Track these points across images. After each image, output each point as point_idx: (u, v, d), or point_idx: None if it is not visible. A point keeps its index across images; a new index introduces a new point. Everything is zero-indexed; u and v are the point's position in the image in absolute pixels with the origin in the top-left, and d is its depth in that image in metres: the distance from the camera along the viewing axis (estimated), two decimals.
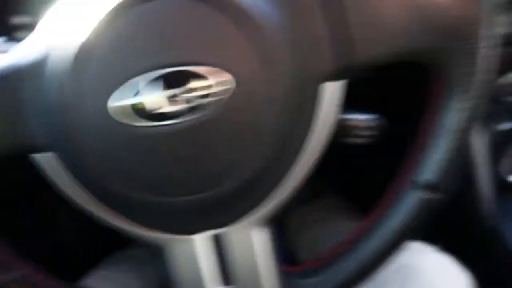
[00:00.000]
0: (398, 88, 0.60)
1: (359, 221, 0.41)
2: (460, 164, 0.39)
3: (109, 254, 0.69)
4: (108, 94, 0.32)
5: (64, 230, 0.88)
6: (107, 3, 0.33)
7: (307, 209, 0.74)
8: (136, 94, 0.32)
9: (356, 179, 0.84)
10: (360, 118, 0.42)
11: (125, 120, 0.32)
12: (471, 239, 0.70)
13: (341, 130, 0.40)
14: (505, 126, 0.62)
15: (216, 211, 0.36)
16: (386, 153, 0.54)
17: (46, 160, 0.36)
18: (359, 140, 0.42)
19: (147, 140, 0.33)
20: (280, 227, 0.79)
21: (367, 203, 0.43)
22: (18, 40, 0.39)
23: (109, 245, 0.67)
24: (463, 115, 0.37)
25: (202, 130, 0.33)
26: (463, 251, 0.58)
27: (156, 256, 0.39)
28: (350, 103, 0.39)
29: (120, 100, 0.32)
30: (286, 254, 0.78)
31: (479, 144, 0.62)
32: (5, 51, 0.40)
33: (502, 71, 0.59)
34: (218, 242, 0.38)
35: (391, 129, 0.44)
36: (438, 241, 0.57)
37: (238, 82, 0.32)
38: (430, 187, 0.39)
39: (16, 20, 0.64)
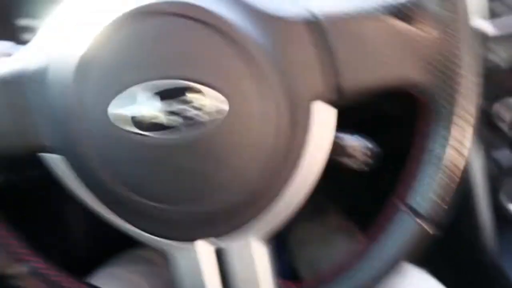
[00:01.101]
0: (394, 113, 0.61)
1: (358, 241, 0.42)
2: (453, 194, 0.39)
3: (118, 252, 0.69)
4: (108, 101, 0.33)
5: (72, 227, 0.90)
6: (109, 15, 0.34)
7: (308, 226, 0.75)
8: (134, 102, 0.33)
9: (356, 197, 0.85)
10: (354, 141, 0.43)
11: (126, 127, 0.34)
12: (470, 272, 0.68)
13: (337, 150, 0.42)
14: (504, 153, 0.62)
15: (214, 221, 0.37)
16: (382, 174, 0.55)
17: (55, 161, 0.37)
18: (352, 163, 0.44)
19: (145, 148, 0.34)
20: (282, 242, 0.80)
21: (366, 223, 0.45)
22: (24, 42, 0.42)
23: (118, 243, 0.68)
24: (451, 143, 0.38)
25: (198, 145, 0.34)
26: (461, 284, 0.58)
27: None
28: (346, 126, 0.41)
29: (119, 108, 0.34)
30: (287, 269, 0.78)
31: (477, 172, 0.61)
32: (9, 54, 0.42)
33: (497, 97, 0.59)
34: (219, 254, 0.39)
35: (387, 151, 0.46)
36: (435, 270, 0.57)
37: (230, 102, 0.34)
38: (421, 214, 0.39)
39: (22, 22, 0.65)
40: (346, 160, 0.43)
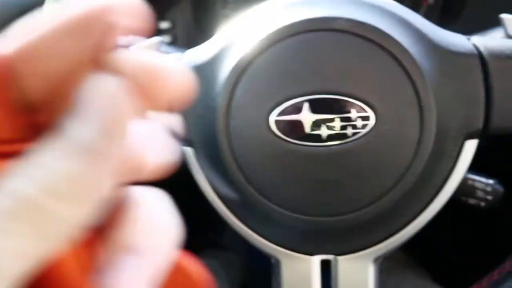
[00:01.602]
0: None
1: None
2: None
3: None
4: (273, 108, 0.36)
5: None
6: (275, 25, 0.36)
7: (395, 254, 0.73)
8: (294, 112, 0.35)
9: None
10: (478, 179, 0.43)
11: (282, 134, 0.36)
12: None
13: (463, 188, 0.41)
14: None
15: (343, 238, 0.38)
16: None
17: (188, 154, 0.39)
18: (472, 201, 0.43)
19: (294, 156, 0.36)
20: None
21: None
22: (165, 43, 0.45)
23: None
24: None
25: (339, 158, 0.35)
26: None
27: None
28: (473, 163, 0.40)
29: (280, 116, 0.36)
30: None
31: None
32: (167, 52, 0.45)
33: None
34: (330, 268, 0.40)
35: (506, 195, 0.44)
36: None
37: (378, 120, 0.35)
38: None
39: (162, 24, 0.70)
40: (470, 200, 0.42)
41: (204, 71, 0.38)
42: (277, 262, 0.40)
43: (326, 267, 0.39)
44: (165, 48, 0.52)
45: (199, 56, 0.39)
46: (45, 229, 0.13)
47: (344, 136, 0.35)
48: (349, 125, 0.35)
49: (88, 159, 0.14)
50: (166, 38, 0.68)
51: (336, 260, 0.39)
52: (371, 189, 0.36)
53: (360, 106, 0.35)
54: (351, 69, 0.35)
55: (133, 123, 0.15)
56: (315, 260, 0.39)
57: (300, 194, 0.36)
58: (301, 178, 0.36)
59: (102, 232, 0.16)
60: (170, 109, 0.16)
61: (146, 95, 0.15)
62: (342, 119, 0.35)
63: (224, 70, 0.37)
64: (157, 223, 0.16)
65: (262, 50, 0.36)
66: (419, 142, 0.35)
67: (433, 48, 0.36)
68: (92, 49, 0.15)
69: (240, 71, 0.36)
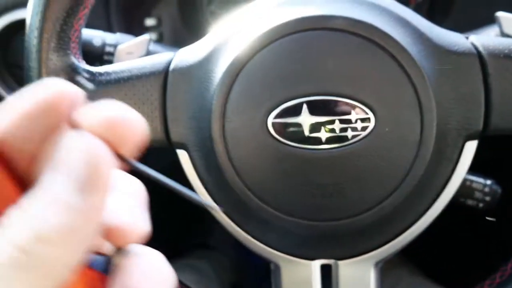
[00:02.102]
0: None
1: None
2: None
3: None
4: (270, 110, 0.34)
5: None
6: (271, 23, 0.35)
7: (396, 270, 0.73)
8: (293, 115, 0.34)
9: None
10: (476, 179, 0.42)
11: (280, 137, 0.34)
12: None
13: (462, 190, 0.41)
14: None
15: (344, 242, 0.37)
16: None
17: (182, 156, 0.38)
18: (470, 202, 0.42)
19: (287, 158, 0.34)
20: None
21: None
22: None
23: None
24: None
25: (339, 161, 0.34)
26: None
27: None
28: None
29: (278, 118, 0.34)
30: None
31: None
32: (157, 52, 0.43)
33: None
34: (326, 270, 0.39)
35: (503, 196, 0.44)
36: None
37: (378, 122, 0.34)
38: None
39: (148, 21, 0.68)
40: (468, 201, 0.42)
41: (197, 72, 0.37)
42: (277, 268, 0.39)
43: (326, 272, 0.38)
44: (154, 46, 0.51)
45: (191, 56, 0.38)
46: (42, 273, 0.16)
47: (344, 138, 0.34)
48: (349, 127, 0.34)
49: (80, 208, 0.16)
50: (153, 35, 0.66)
51: (336, 265, 0.38)
52: (371, 193, 0.35)
53: (360, 108, 0.34)
54: (350, 70, 0.34)
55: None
56: (316, 265, 0.38)
57: (299, 198, 0.35)
58: (300, 182, 0.35)
59: (105, 277, 0.19)
60: (132, 154, 0.18)
61: (112, 146, 0.17)
62: (342, 121, 0.34)
63: (218, 70, 0.36)
64: (154, 273, 0.19)
65: (257, 50, 0.35)
66: (420, 144, 0.34)
67: (432, 47, 0.35)
68: (56, 123, 0.18)
69: (235, 71, 0.35)
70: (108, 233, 0.18)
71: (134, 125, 0.18)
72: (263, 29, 0.35)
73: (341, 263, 0.38)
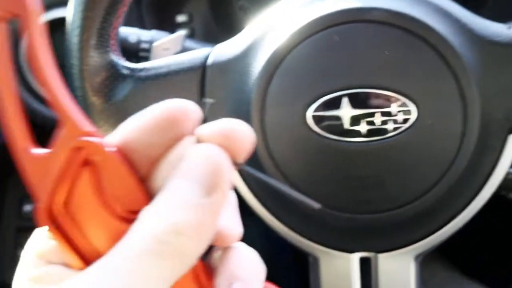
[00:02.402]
0: None
1: None
2: None
3: None
4: (310, 103, 0.34)
5: None
6: (312, 20, 0.35)
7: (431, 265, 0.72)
8: (332, 108, 0.34)
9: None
10: None
11: (319, 130, 0.34)
12: None
13: (506, 184, 0.40)
14: None
15: (384, 235, 0.37)
16: None
17: None
18: None
19: (332, 152, 0.34)
20: None
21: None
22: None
23: None
24: None
25: (380, 154, 0.34)
26: None
27: None
28: None
29: (318, 111, 0.34)
30: None
31: None
32: (193, 48, 0.43)
33: None
34: (365, 263, 0.39)
35: None
36: None
37: (420, 114, 0.34)
38: None
39: (179, 18, 0.69)
40: (510, 195, 0.41)
41: (235, 66, 0.37)
42: (316, 260, 0.39)
43: (365, 264, 0.38)
44: (188, 42, 0.51)
45: (229, 51, 0.38)
46: (178, 260, 0.19)
47: (385, 131, 0.34)
48: (390, 120, 0.34)
49: (207, 207, 0.19)
50: (184, 31, 0.67)
51: (376, 258, 0.38)
52: (413, 186, 0.35)
53: (401, 100, 0.34)
54: (391, 62, 0.34)
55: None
56: (355, 258, 0.38)
57: (339, 191, 0.35)
58: (340, 175, 0.35)
59: (206, 266, 0.22)
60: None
61: (229, 153, 0.20)
62: (383, 114, 0.34)
63: (257, 64, 0.36)
64: (251, 265, 0.22)
65: (297, 43, 0.35)
66: (463, 136, 0.34)
67: (474, 38, 0.35)
68: (178, 135, 0.21)
69: (274, 64, 0.35)
70: (214, 236, 0.21)
71: (245, 135, 0.20)
72: (302, 22, 0.35)
73: (381, 256, 0.38)
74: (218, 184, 0.19)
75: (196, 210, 0.19)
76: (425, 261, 0.63)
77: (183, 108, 0.21)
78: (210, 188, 0.19)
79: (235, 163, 0.20)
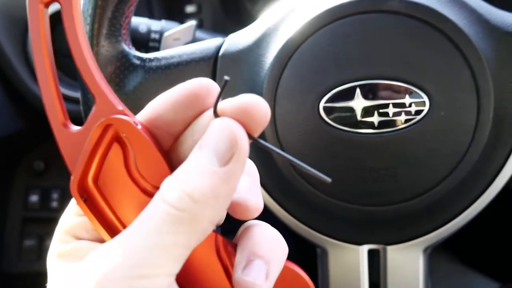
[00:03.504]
0: None
1: None
2: None
3: None
4: (322, 94, 0.34)
5: None
6: (325, 10, 0.35)
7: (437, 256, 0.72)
8: (345, 99, 0.34)
9: None
10: None
11: (331, 121, 0.34)
12: None
13: None
14: None
15: (393, 227, 0.37)
16: None
17: None
18: None
19: (344, 143, 0.34)
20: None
21: None
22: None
23: None
24: None
25: (392, 146, 0.34)
26: None
27: None
28: None
29: (330, 103, 0.34)
30: None
31: None
32: (204, 38, 0.43)
33: None
34: (378, 257, 0.39)
35: None
36: None
37: (432, 106, 0.33)
38: None
39: (188, 8, 0.68)
40: None
41: (247, 56, 0.37)
42: (324, 252, 0.39)
43: (374, 257, 0.38)
44: (198, 33, 0.51)
45: (241, 41, 0.38)
46: (193, 227, 0.20)
47: (397, 123, 0.34)
48: (403, 111, 0.34)
49: (222, 175, 0.20)
50: (194, 21, 0.67)
51: (384, 250, 0.38)
52: (424, 178, 0.35)
53: (415, 92, 0.33)
54: (405, 53, 0.34)
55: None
56: (363, 250, 0.38)
57: (349, 183, 0.35)
58: (351, 167, 0.35)
59: (224, 240, 0.22)
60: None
61: (245, 126, 0.21)
62: (395, 105, 0.34)
63: (269, 55, 0.36)
64: (272, 240, 0.23)
65: (309, 33, 0.35)
66: (476, 129, 0.34)
67: (490, 29, 0.34)
68: (198, 112, 0.22)
69: (286, 55, 0.35)
70: (234, 207, 0.22)
71: (261, 109, 0.21)
72: (315, 12, 0.35)
73: (390, 248, 0.38)
74: (233, 154, 0.20)
75: (211, 177, 0.20)
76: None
77: (203, 85, 0.22)
78: (226, 157, 0.20)
79: (251, 137, 0.21)
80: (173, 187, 0.20)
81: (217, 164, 0.20)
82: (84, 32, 0.22)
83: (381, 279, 0.39)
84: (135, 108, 0.38)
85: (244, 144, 0.20)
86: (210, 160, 0.20)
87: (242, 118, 0.21)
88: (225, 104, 0.21)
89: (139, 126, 0.21)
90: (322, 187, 0.36)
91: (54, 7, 0.62)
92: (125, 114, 0.21)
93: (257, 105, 0.21)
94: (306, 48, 0.35)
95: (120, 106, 0.21)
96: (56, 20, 0.66)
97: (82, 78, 0.22)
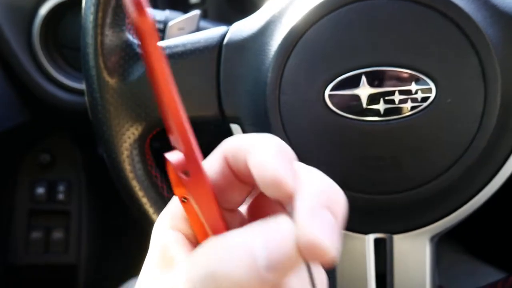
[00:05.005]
0: None
1: None
2: None
3: None
4: (328, 82, 0.34)
5: None
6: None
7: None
8: (350, 87, 0.34)
9: None
10: None
11: (337, 109, 0.34)
12: None
13: None
14: None
15: (400, 216, 0.37)
16: None
17: (235, 131, 0.38)
18: None
19: (350, 131, 0.34)
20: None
21: None
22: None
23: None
24: None
25: (398, 134, 0.34)
26: None
27: None
28: None
29: (335, 90, 0.34)
30: None
31: None
32: (208, 27, 0.43)
33: None
34: (384, 246, 0.38)
35: None
36: None
37: (439, 92, 0.33)
38: None
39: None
40: None
41: (252, 45, 0.37)
42: None
43: (380, 245, 0.38)
44: (203, 23, 0.51)
45: (246, 29, 0.38)
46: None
47: (403, 110, 0.33)
48: (409, 98, 0.33)
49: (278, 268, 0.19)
50: (198, 11, 0.67)
51: (391, 239, 0.38)
52: (430, 166, 0.34)
53: (421, 78, 0.33)
54: (410, 39, 0.33)
55: None
56: (370, 239, 0.38)
57: (355, 171, 0.35)
58: (357, 155, 0.35)
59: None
60: None
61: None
62: (401, 92, 0.33)
63: (274, 43, 0.36)
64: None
65: (314, 21, 0.34)
66: (483, 116, 0.33)
67: (497, 14, 0.34)
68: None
69: (291, 43, 0.35)
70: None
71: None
72: (320, 0, 0.34)
73: (396, 237, 0.38)
74: (280, 264, 0.19)
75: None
76: None
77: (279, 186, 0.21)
78: (272, 263, 0.19)
79: None
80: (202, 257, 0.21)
81: (264, 269, 0.19)
82: (170, 73, 0.20)
83: (387, 268, 0.38)
84: (139, 98, 0.39)
85: (293, 258, 0.19)
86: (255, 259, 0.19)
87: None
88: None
89: (207, 188, 0.23)
90: (328, 175, 0.35)
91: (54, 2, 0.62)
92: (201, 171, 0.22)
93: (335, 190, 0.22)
94: (311, 36, 0.34)
95: (200, 160, 0.22)
96: (58, 13, 0.66)
97: (170, 127, 0.21)
